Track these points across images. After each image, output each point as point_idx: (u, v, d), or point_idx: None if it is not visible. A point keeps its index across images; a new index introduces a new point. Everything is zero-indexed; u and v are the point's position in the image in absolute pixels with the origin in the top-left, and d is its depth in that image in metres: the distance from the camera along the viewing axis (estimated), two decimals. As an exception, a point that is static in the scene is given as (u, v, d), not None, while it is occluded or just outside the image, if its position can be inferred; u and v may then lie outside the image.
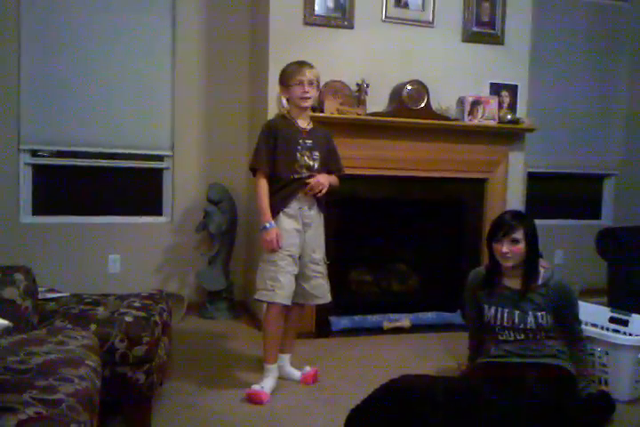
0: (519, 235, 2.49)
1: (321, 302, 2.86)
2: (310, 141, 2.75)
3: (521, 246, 2.49)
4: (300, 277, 2.75)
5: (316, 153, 2.76)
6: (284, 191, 2.70)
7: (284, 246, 2.67)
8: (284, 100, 3.07)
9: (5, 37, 3.75)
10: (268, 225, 2.66)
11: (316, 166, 2.74)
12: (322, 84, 3.52)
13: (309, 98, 2.74)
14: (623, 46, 5.10)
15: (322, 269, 2.82)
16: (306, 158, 2.72)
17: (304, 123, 2.79)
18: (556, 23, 4.87)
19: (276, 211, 2.70)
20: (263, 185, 2.71)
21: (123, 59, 3.99)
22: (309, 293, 2.79)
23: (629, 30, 5.09)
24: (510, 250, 2.49)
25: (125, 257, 4.03)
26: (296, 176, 2.71)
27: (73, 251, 3.94)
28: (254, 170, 2.76)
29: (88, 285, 3.79)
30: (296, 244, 2.70)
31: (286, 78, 2.75)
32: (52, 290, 2.62)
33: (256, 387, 2.63)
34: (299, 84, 2.70)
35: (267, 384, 2.66)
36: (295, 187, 2.72)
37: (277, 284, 2.64)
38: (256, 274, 2.76)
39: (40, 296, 2.34)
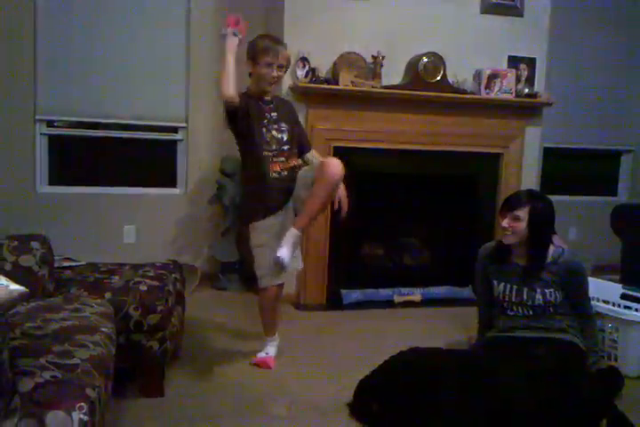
0: (522, 213, 2.47)
1: None
2: (275, 114, 2.66)
3: (521, 224, 2.47)
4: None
5: (283, 125, 2.67)
6: (265, 194, 2.61)
7: (270, 237, 2.59)
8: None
9: (22, 9, 3.73)
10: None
11: (285, 138, 2.66)
12: (336, 55, 3.55)
13: (275, 82, 2.61)
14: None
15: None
16: (274, 132, 2.63)
17: (267, 96, 2.66)
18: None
19: (261, 215, 2.62)
20: None
21: (137, 30, 3.96)
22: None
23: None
24: (510, 225, 2.48)
25: (140, 228, 4.06)
26: (266, 153, 2.60)
27: (89, 221, 3.97)
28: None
29: (103, 254, 3.77)
30: (279, 223, 2.63)
31: (256, 54, 2.56)
32: (67, 258, 2.66)
33: (262, 354, 2.73)
34: (268, 65, 2.54)
35: (271, 351, 2.75)
36: (275, 187, 2.61)
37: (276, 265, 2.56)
38: (253, 264, 2.70)
39: (56, 264, 2.38)
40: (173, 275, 2.60)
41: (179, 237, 4.16)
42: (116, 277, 2.40)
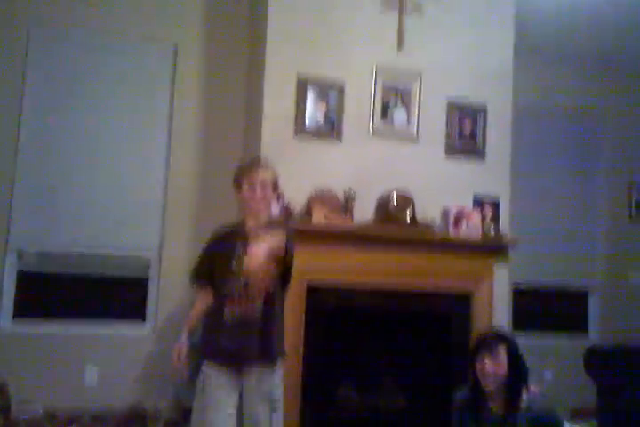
0: (502, 355, 2.42)
1: None
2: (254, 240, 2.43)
3: (503, 367, 2.41)
4: None
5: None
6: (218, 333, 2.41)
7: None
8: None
9: (4, 140, 3.82)
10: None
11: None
12: (310, 193, 3.62)
13: (261, 200, 2.47)
14: (600, 161, 5.28)
15: None
16: (245, 260, 2.35)
17: (253, 222, 2.49)
18: (536, 136, 5.08)
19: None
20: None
21: (113, 162, 4.02)
22: None
23: (605, 145, 5.29)
24: (493, 370, 2.41)
25: (104, 367, 3.84)
26: (230, 289, 2.39)
27: (51, 360, 3.75)
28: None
29: (65, 397, 3.65)
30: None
31: (239, 178, 2.51)
32: (25, 402, 2.45)
33: None
34: (250, 186, 2.46)
35: None
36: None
37: None
38: None
39: (13, 415, 2.17)
40: None
41: (144, 377, 3.92)
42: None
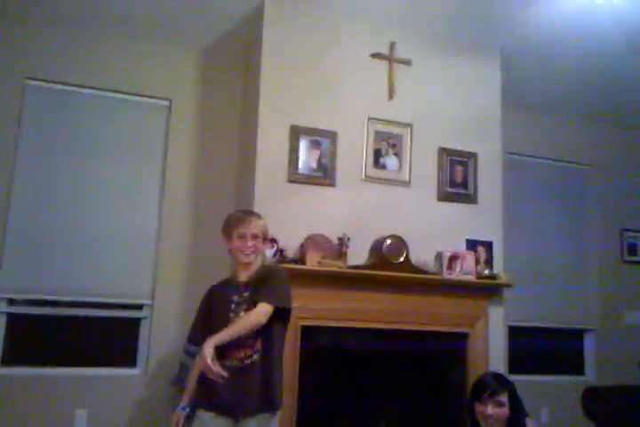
0: (504, 397, 2.43)
1: None
2: (248, 293, 2.46)
3: (505, 410, 2.42)
4: None
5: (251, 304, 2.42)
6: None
7: None
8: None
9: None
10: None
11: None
12: (304, 237, 3.68)
13: (251, 253, 2.49)
14: (590, 205, 5.40)
15: None
16: (242, 314, 2.40)
17: (245, 275, 2.52)
18: (526, 183, 5.20)
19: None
20: None
21: (110, 211, 4.08)
22: None
23: (594, 191, 5.43)
24: (495, 413, 2.42)
25: (94, 411, 3.81)
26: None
27: (39, 405, 3.72)
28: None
29: None
30: None
31: (228, 229, 2.52)
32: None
33: None
34: (240, 237, 2.48)
35: None
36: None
37: None
38: None
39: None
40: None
41: (134, 421, 3.89)
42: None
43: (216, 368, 2.20)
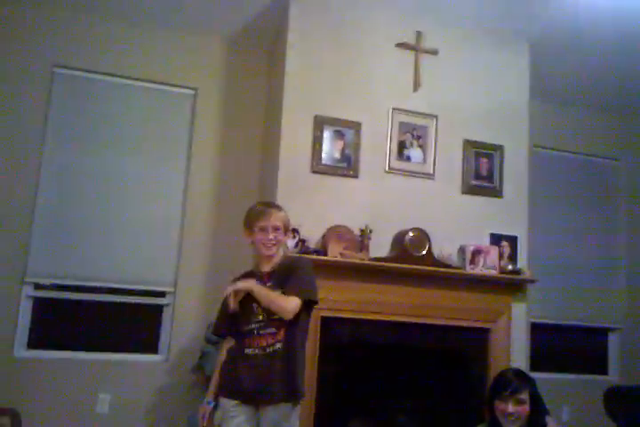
0: (525, 395, 2.42)
1: None
2: (271, 283, 2.47)
3: (526, 407, 2.41)
4: None
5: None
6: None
7: None
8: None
9: (25, 175, 3.92)
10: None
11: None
12: (326, 228, 3.67)
13: (273, 245, 2.49)
14: (618, 201, 5.29)
15: None
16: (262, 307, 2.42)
17: (267, 266, 2.53)
18: (552, 177, 5.10)
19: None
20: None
21: (135, 200, 4.12)
22: None
23: (623, 186, 5.32)
24: (516, 410, 2.40)
25: (116, 396, 3.86)
26: (251, 327, 2.44)
27: (64, 387, 3.78)
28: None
29: (75, 424, 3.66)
30: None
31: (250, 221, 2.52)
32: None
33: None
34: (262, 229, 2.48)
35: None
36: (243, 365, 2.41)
37: None
38: None
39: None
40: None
41: (155, 407, 3.94)
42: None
43: (233, 303, 2.40)
